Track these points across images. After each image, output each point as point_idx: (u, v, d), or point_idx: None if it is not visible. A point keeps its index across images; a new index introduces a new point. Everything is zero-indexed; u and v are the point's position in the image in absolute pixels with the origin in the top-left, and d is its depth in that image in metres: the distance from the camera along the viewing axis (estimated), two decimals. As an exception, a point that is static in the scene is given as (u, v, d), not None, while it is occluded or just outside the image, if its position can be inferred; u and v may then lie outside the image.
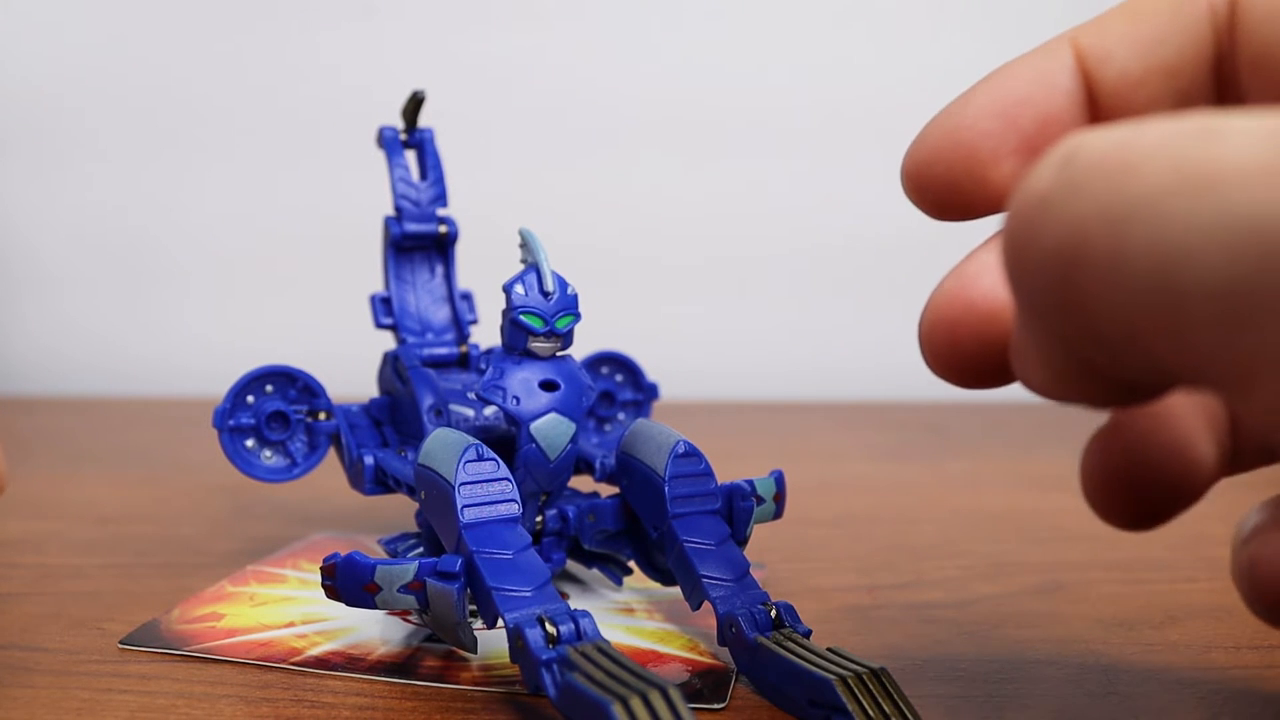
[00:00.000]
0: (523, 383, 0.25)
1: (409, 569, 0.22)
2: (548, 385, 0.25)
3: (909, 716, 0.20)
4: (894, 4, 0.68)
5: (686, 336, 0.68)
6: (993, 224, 0.19)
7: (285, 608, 0.28)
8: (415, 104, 0.32)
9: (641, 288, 0.68)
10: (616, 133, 0.68)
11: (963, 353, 0.18)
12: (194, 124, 0.68)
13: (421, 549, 0.27)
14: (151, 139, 0.68)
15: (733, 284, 0.69)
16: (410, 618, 0.26)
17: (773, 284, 0.70)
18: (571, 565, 0.30)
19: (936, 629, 0.27)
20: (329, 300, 0.61)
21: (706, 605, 0.24)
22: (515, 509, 0.23)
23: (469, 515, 0.23)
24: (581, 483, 0.30)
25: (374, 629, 0.26)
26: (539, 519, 0.27)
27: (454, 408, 0.29)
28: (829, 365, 0.69)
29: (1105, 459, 0.18)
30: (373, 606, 0.23)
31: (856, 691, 0.20)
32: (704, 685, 0.23)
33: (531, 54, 0.67)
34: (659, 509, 0.25)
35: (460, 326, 0.32)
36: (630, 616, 0.27)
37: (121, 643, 0.25)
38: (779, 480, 0.26)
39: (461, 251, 0.33)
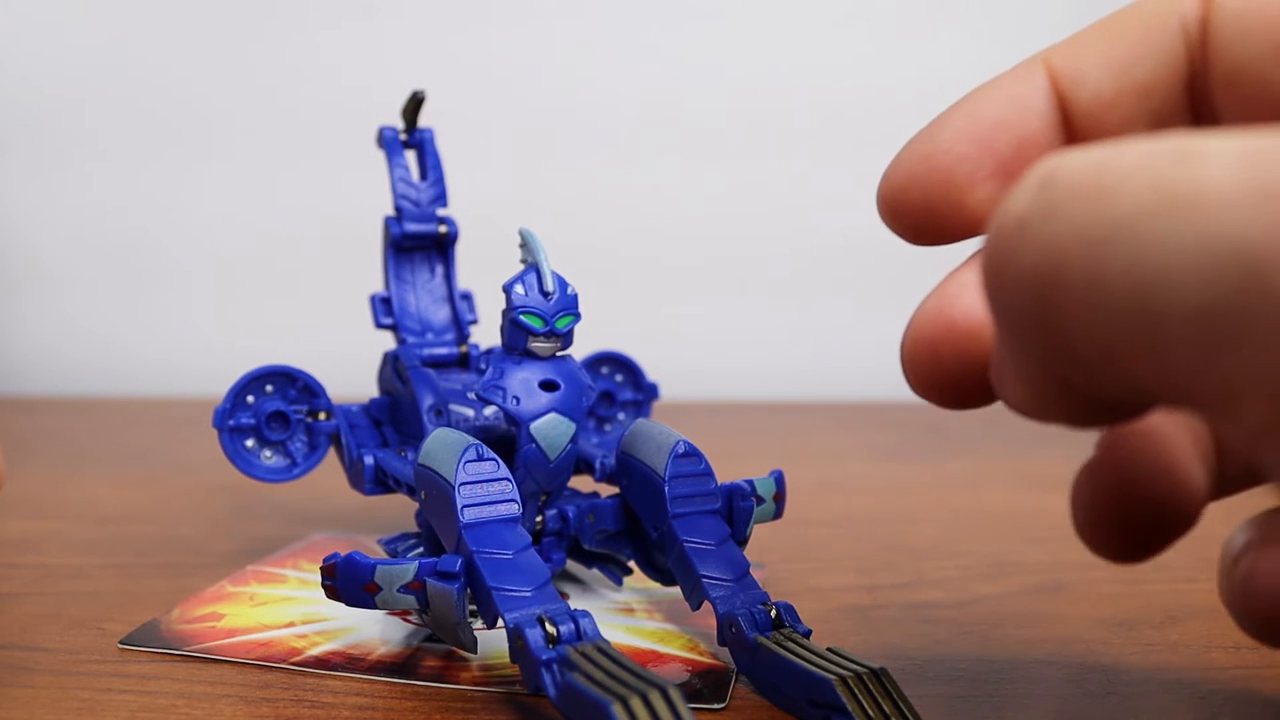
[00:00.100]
0: (523, 383, 0.25)
1: (409, 569, 0.22)
2: (548, 385, 0.25)
3: (909, 716, 0.20)
4: (894, 4, 0.68)
5: (686, 336, 0.68)
6: (973, 245, 0.19)
7: (285, 608, 0.28)
8: (415, 104, 0.32)
9: (641, 288, 0.68)
10: (616, 133, 0.68)
11: (945, 372, 0.18)
12: (194, 124, 0.68)
13: (421, 549, 0.27)
14: (151, 139, 0.68)
15: (733, 284, 0.69)
16: (410, 618, 0.26)
17: (773, 284, 0.70)
18: (571, 565, 0.30)
19: (936, 629, 0.27)
20: (329, 300, 0.61)
21: (706, 605, 0.24)
22: (515, 509, 0.23)
23: (469, 515, 0.23)
24: (581, 483, 0.30)
25: (374, 629, 0.26)
26: (539, 519, 0.27)
27: (454, 408, 0.29)
28: (829, 365, 0.69)
29: (1095, 491, 0.18)
30: (373, 606, 0.23)
31: (856, 691, 0.20)
32: (704, 685, 0.23)
33: (531, 54, 0.67)
34: (659, 509, 0.25)
35: (460, 326, 0.32)
36: (630, 616, 0.27)
37: (121, 643, 0.25)
38: (779, 480, 0.26)
39: (461, 251, 0.33)
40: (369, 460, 0.29)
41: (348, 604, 0.23)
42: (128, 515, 0.38)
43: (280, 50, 0.67)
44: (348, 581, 0.23)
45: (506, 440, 0.27)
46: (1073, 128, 0.18)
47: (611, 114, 0.68)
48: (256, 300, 0.69)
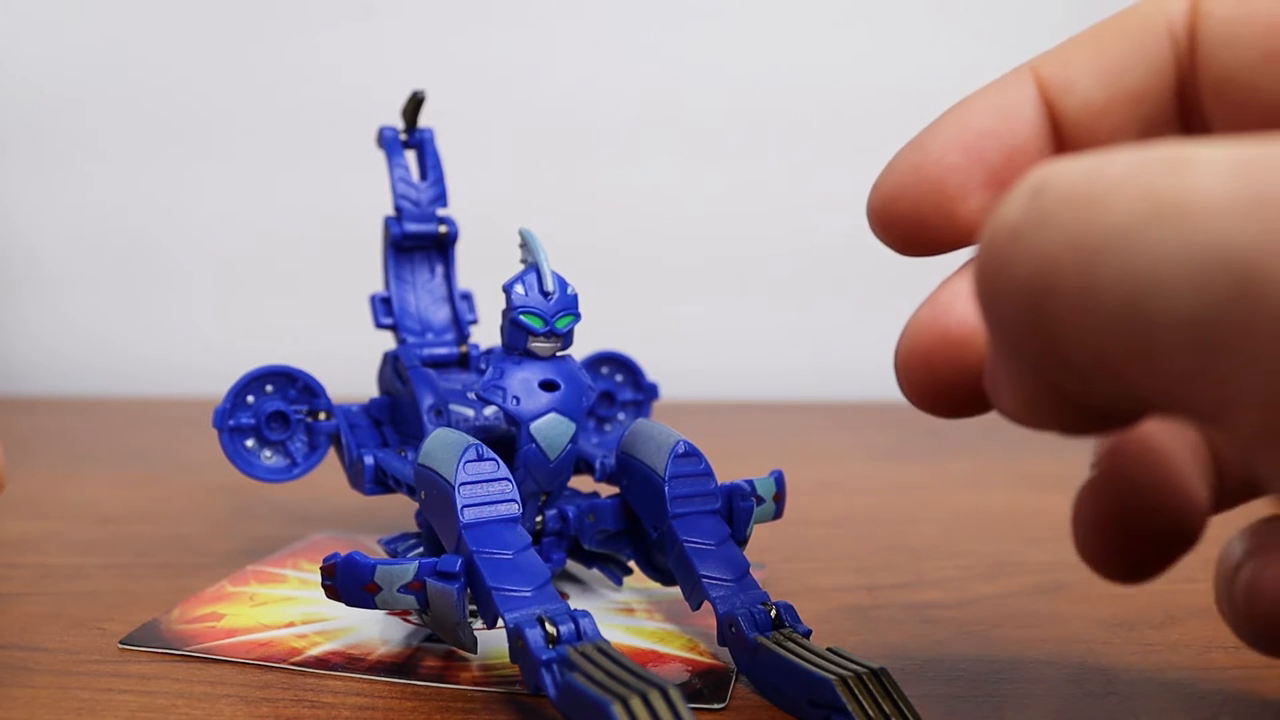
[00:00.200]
0: (523, 383, 0.25)
1: (409, 569, 0.22)
2: (548, 385, 0.25)
3: (909, 716, 0.20)
4: (894, 4, 0.68)
5: (686, 336, 0.68)
6: (964, 254, 0.19)
7: (285, 608, 0.28)
8: (415, 104, 0.32)
9: (641, 288, 0.68)
10: (616, 133, 0.68)
11: (940, 381, 0.18)
12: (194, 124, 0.68)
13: (421, 549, 0.27)
14: (151, 139, 0.68)
15: (733, 284, 0.69)
16: (410, 618, 0.26)
17: (773, 284, 0.70)
18: (571, 565, 0.30)
19: (936, 629, 0.27)
20: (329, 300, 0.61)
21: (706, 605, 0.24)
22: (515, 509, 0.23)
23: (469, 515, 0.23)
24: (581, 483, 0.30)
25: (374, 629, 0.26)
26: (539, 519, 0.27)
27: (454, 408, 0.29)
28: (829, 365, 0.69)
29: (1098, 511, 0.18)
30: (373, 606, 0.23)
31: (856, 691, 0.20)
32: (704, 685, 0.23)
33: (531, 54, 0.67)
34: (659, 509, 0.25)
35: (460, 326, 0.32)
36: (630, 616, 0.27)
37: (121, 643, 0.25)
38: (779, 480, 0.26)
39: (461, 251, 0.33)
40: (369, 460, 0.29)
41: (348, 604, 0.23)
42: (128, 515, 0.38)
43: (280, 50, 0.67)
44: (348, 581, 0.23)
45: (506, 440, 0.27)
46: (1062, 136, 0.18)
47: (611, 114, 0.68)
48: (256, 300, 0.69)
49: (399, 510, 0.37)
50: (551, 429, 0.25)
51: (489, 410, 0.29)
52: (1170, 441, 0.18)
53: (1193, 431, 0.19)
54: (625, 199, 0.68)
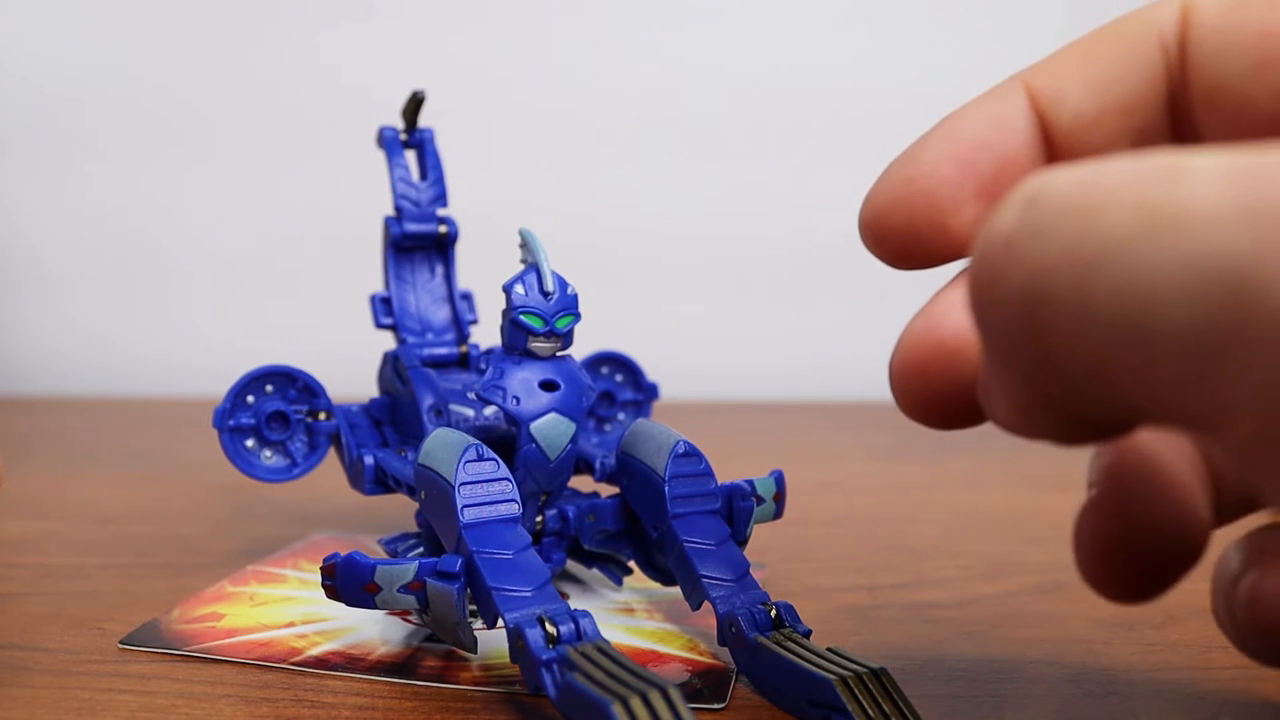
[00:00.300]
0: (523, 383, 0.25)
1: (409, 569, 0.22)
2: (548, 385, 0.25)
3: (909, 716, 0.20)
4: (894, 4, 0.68)
5: (686, 336, 0.68)
6: (957, 266, 0.19)
7: (285, 608, 0.28)
8: (415, 104, 0.32)
9: (641, 288, 0.68)
10: (616, 133, 0.68)
11: (934, 391, 0.18)
12: (194, 124, 0.68)
13: (421, 549, 0.27)
14: (151, 139, 0.68)
15: (733, 284, 0.69)
16: (410, 618, 0.26)
17: (773, 284, 0.70)
18: (571, 565, 0.30)
19: (936, 629, 0.27)
20: (329, 300, 0.61)
21: (706, 605, 0.24)
22: (515, 509, 0.23)
23: (469, 515, 0.23)
24: (581, 483, 0.30)
25: (374, 629, 0.26)
26: (539, 519, 0.27)
27: (454, 408, 0.29)
28: (829, 365, 0.69)
29: (1100, 531, 0.18)
30: (373, 606, 0.23)
31: (856, 691, 0.20)
32: (704, 685, 0.23)
33: (531, 54, 0.67)
34: (659, 509, 0.25)
35: (460, 326, 0.32)
36: (630, 616, 0.27)
37: (121, 643, 0.25)
38: (779, 480, 0.26)
39: (461, 251, 0.33)
40: (369, 460, 0.29)
41: (348, 604, 0.23)
42: (128, 515, 0.38)
43: (280, 50, 0.67)
44: (348, 581, 0.23)
45: (506, 440, 0.27)
46: (1054, 147, 0.18)
47: (611, 114, 0.68)
48: (256, 300, 0.69)
49: (399, 510, 0.37)
50: (551, 429, 0.25)
51: (489, 410, 0.29)
52: (1170, 458, 0.18)
53: (1191, 447, 0.18)
54: (625, 199, 0.68)
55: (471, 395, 0.29)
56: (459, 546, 0.22)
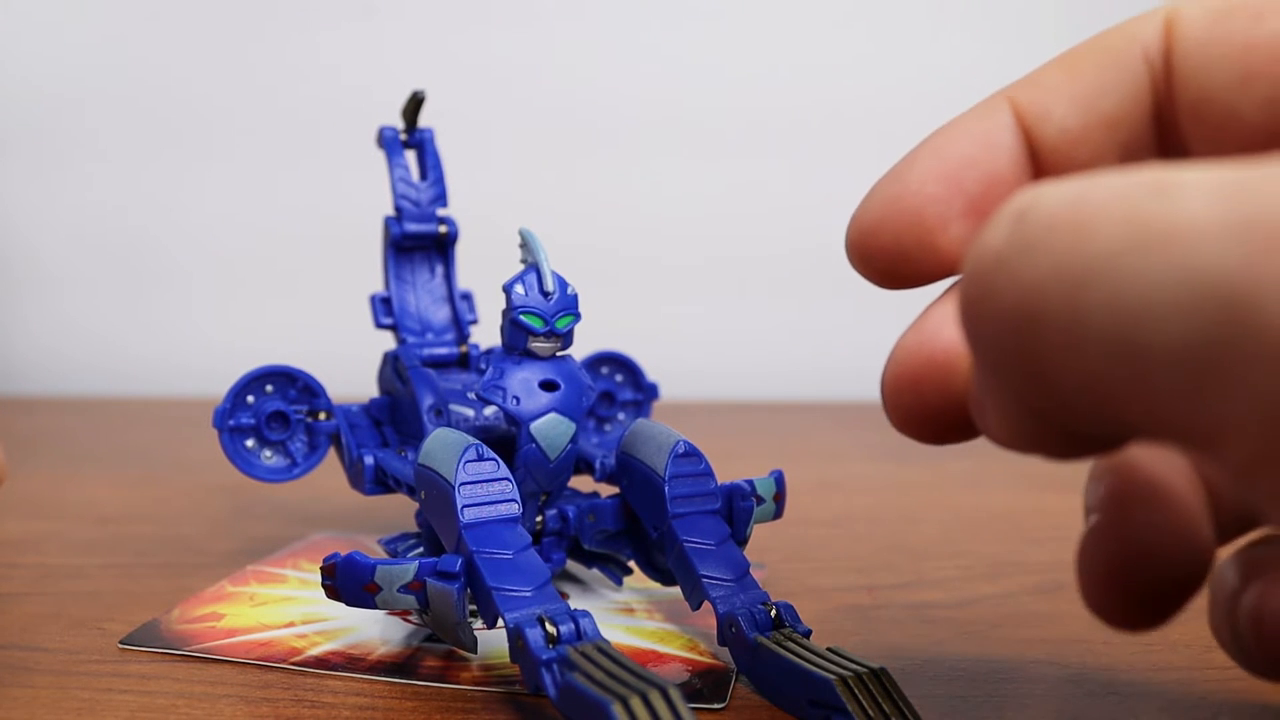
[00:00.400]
0: (523, 383, 0.25)
1: (409, 569, 0.22)
2: (548, 385, 0.25)
3: (909, 716, 0.20)
4: (894, 4, 0.68)
5: (686, 336, 0.68)
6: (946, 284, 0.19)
7: (285, 608, 0.28)
8: (415, 104, 0.32)
9: (641, 288, 0.68)
10: (616, 133, 0.68)
11: (927, 406, 0.18)
12: (194, 124, 0.68)
13: (421, 549, 0.27)
14: (151, 139, 0.68)
15: (733, 284, 0.69)
16: (410, 618, 0.26)
17: (773, 284, 0.70)
18: (571, 565, 0.30)
19: (936, 629, 0.27)
20: (329, 300, 0.61)
21: (706, 605, 0.24)
22: (515, 509, 0.23)
23: (469, 515, 0.23)
24: (581, 483, 0.30)
25: (374, 629, 0.26)
26: (539, 519, 0.27)
27: (454, 408, 0.29)
28: (829, 365, 0.69)
29: (1102, 560, 0.17)
30: (373, 606, 0.23)
31: (856, 691, 0.20)
32: (704, 685, 0.23)
33: (531, 54, 0.67)
34: (659, 509, 0.25)
35: (460, 326, 0.32)
36: (630, 616, 0.27)
37: (121, 643, 0.25)
38: (779, 480, 0.26)
39: (461, 251, 0.33)
40: (369, 460, 0.29)
41: (348, 604, 0.23)
42: (128, 515, 0.38)
43: (280, 50, 0.67)
44: (348, 581, 0.23)
45: (506, 440, 0.27)
46: (1040, 163, 0.18)
47: (611, 114, 0.68)
48: (256, 300, 0.69)
49: (399, 510, 0.37)
50: (551, 429, 0.25)
51: (489, 410, 0.29)
52: (1171, 479, 0.18)
53: (1189, 467, 0.18)
54: (625, 199, 0.68)
55: (471, 395, 0.29)
56: (459, 546, 0.22)
